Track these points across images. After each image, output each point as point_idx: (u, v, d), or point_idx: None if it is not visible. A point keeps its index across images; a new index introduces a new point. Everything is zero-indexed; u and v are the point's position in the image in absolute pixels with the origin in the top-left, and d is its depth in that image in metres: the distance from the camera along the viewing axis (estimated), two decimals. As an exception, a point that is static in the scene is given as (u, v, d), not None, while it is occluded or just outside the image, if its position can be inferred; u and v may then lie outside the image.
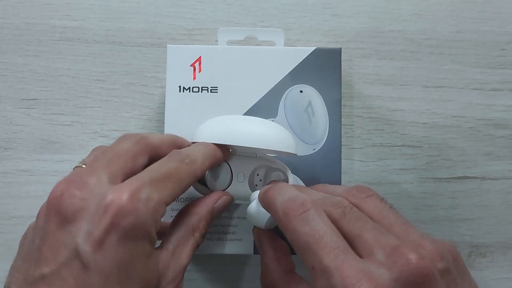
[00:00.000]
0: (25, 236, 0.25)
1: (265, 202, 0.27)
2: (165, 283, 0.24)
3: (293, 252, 0.28)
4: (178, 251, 0.26)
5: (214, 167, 0.30)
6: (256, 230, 0.29)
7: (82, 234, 0.21)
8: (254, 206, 0.29)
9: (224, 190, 0.31)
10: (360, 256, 0.22)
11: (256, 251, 0.32)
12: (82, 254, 0.21)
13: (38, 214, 0.24)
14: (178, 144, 0.29)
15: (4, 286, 0.23)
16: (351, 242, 0.23)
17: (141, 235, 0.22)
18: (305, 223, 0.23)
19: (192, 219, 0.27)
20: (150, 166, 0.25)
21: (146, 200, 0.22)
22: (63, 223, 0.22)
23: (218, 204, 0.29)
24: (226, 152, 0.30)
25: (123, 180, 0.24)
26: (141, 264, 0.22)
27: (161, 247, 0.26)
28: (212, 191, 0.31)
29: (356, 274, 0.20)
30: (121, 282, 0.21)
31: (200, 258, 0.38)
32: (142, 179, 0.23)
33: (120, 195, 0.22)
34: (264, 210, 0.27)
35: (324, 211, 0.24)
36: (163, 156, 0.27)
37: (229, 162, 0.31)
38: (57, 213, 0.22)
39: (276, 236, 0.29)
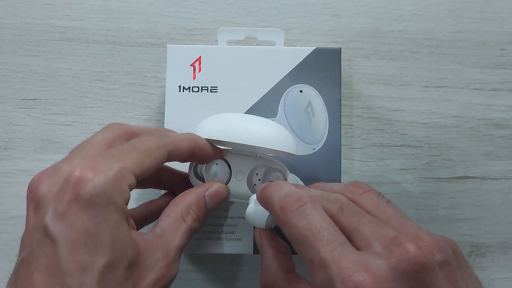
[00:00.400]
0: None
1: (262, 199, 0.27)
2: (154, 260, 0.24)
3: (293, 252, 0.28)
4: (167, 234, 0.26)
5: (200, 157, 0.29)
6: (257, 230, 0.29)
7: (49, 212, 0.22)
8: (253, 206, 0.29)
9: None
10: (358, 248, 0.22)
11: (256, 251, 0.32)
12: (49, 229, 0.21)
13: None
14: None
15: None
16: (349, 236, 0.23)
17: (104, 203, 0.22)
18: (302, 217, 0.23)
19: (180, 205, 0.27)
20: None
21: (106, 170, 0.22)
22: (36, 208, 0.23)
23: (211, 191, 0.29)
24: (218, 150, 0.30)
25: None
26: (108, 233, 0.22)
27: (149, 231, 0.26)
28: None
29: (354, 266, 0.20)
30: (88, 251, 0.21)
31: (200, 258, 0.38)
32: (103, 154, 0.24)
33: (80, 169, 0.22)
34: (263, 209, 0.27)
35: (321, 206, 0.24)
36: None
37: (228, 160, 0.31)
38: (31, 202, 0.23)
39: (277, 236, 0.29)
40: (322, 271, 0.21)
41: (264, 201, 0.27)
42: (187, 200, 0.28)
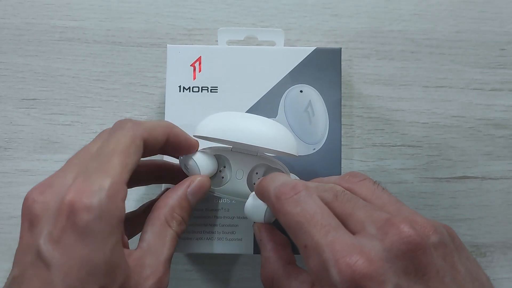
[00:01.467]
0: None
1: (259, 191, 0.27)
2: (143, 279, 0.24)
3: (294, 250, 0.28)
4: (155, 247, 0.25)
5: (175, 145, 0.28)
6: (256, 225, 0.29)
7: (44, 235, 0.22)
8: (251, 200, 0.28)
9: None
10: (353, 233, 0.22)
11: (256, 251, 0.32)
12: (43, 254, 0.21)
13: None
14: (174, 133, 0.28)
15: None
16: (344, 221, 0.23)
17: (100, 228, 0.22)
18: (296, 204, 0.23)
19: (163, 211, 0.27)
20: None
21: (98, 189, 0.22)
22: (30, 227, 0.23)
23: (192, 187, 0.28)
24: (194, 140, 0.29)
25: None
26: (102, 259, 0.22)
27: (137, 246, 0.26)
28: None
29: (347, 248, 0.21)
30: (81, 278, 0.21)
31: (200, 258, 0.38)
32: (90, 169, 0.23)
33: (73, 192, 0.22)
34: (261, 202, 0.27)
35: (316, 195, 0.24)
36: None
37: (228, 158, 0.31)
38: (25, 219, 0.23)
39: (276, 229, 0.28)
40: (316, 255, 0.21)
41: (261, 193, 0.27)
42: (169, 203, 0.27)
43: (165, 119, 0.33)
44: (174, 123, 0.32)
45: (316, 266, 0.21)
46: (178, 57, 0.33)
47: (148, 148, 0.26)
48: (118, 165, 0.23)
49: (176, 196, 0.27)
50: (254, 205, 0.28)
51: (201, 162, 0.29)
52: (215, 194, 0.31)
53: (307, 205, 0.23)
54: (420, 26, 0.39)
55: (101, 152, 0.24)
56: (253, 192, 0.28)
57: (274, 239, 0.28)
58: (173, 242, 0.26)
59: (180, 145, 0.28)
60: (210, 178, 0.30)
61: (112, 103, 0.39)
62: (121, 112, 0.38)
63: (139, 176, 0.29)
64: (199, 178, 0.29)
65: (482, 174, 0.39)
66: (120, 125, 0.25)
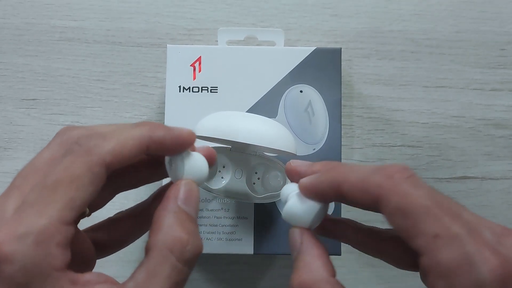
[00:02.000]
0: None
1: (332, 180, 0.23)
2: None
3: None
4: (147, 284, 0.21)
5: (161, 151, 0.23)
6: (297, 229, 0.25)
7: None
8: (297, 202, 0.25)
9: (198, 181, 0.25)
10: None
11: (256, 251, 0.32)
12: None
13: None
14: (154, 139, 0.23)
15: None
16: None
17: (25, 281, 0.18)
18: (417, 186, 0.21)
19: (159, 237, 0.22)
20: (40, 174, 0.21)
21: (23, 237, 0.18)
22: None
23: (182, 197, 0.23)
24: (187, 136, 0.23)
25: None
26: None
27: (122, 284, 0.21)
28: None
29: (487, 246, 0.19)
30: None
31: (200, 258, 0.38)
32: (27, 202, 0.19)
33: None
34: (310, 204, 0.24)
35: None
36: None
37: (227, 157, 0.30)
38: None
39: (319, 238, 0.25)
40: (455, 245, 0.20)
41: (335, 183, 0.23)
42: (165, 225, 0.22)
43: (165, 120, 0.33)
44: (174, 123, 0.31)
45: (454, 259, 0.20)
46: (178, 57, 0.33)
47: (118, 169, 0.21)
48: (60, 201, 0.19)
49: (170, 215, 0.22)
50: (301, 207, 0.24)
51: (189, 164, 0.24)
52: (214, 194, 0.31)
53: (428, 189, 0.21)
54: (420, 26, 0.39)
55: (45, 180, 0.20)
56: (296, 193, 0.25)
57: (318, 245, 0.24)
58: (173, 275, 0.22)
59: (169, 148, 0.23)
60: (208, 178, 0.29)
61: (112, 103, 0.39)
62: (121, 112, 0.38)
63: (138, 177, 0.25)
64: (183, 182, 0.23)
65: (482, 174, 0.39)
66: (76, 144, 0.21)
